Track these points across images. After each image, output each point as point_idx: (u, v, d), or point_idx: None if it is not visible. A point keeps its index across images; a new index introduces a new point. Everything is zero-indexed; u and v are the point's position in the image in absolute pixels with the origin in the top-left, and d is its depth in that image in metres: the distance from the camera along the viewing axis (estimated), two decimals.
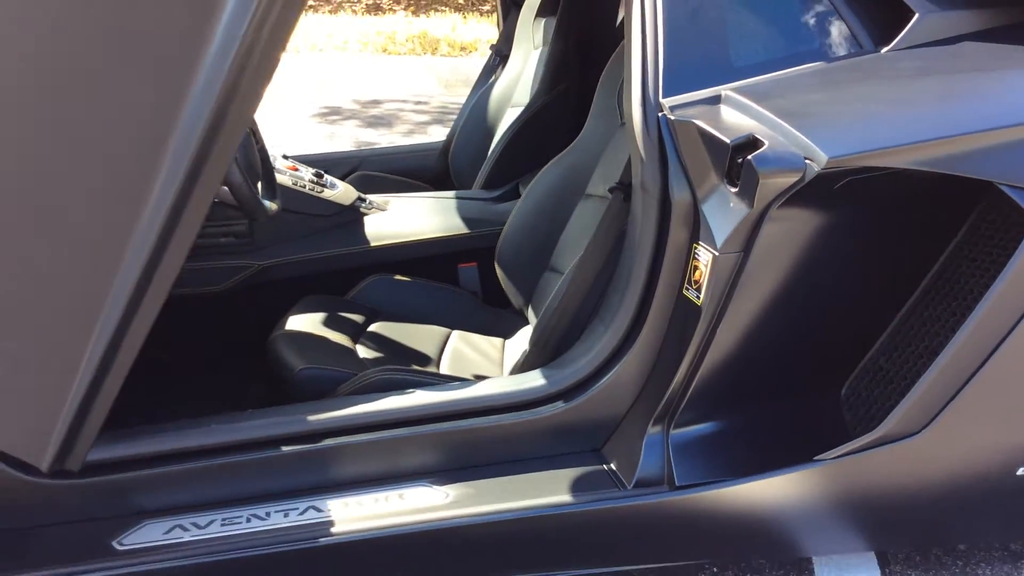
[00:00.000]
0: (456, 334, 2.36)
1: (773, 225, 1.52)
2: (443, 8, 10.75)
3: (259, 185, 2.23)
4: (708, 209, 1.59)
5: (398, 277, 2.50)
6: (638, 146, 1.66)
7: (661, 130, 1.64)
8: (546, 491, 1.73)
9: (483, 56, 7.71)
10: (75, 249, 1.20)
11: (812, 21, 1.73)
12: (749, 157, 1.45)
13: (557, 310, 1.93)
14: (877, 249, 1.65)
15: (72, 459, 1.32)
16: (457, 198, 2.83)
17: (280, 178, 2.43)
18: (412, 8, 10.87)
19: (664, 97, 1.65)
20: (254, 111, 1.25)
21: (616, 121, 2.30)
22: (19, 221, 1.19)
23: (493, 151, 2.94)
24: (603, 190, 2.19)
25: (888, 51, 1.69)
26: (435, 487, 1.75)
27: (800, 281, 1.62)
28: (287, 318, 2.24)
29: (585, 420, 1.81)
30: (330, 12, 10.80)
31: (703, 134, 1.56)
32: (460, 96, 7.17)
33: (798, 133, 1.45)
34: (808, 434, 1.76)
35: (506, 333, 2.43)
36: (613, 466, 1.79)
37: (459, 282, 2.65)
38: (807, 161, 1.43)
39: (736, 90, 1.62)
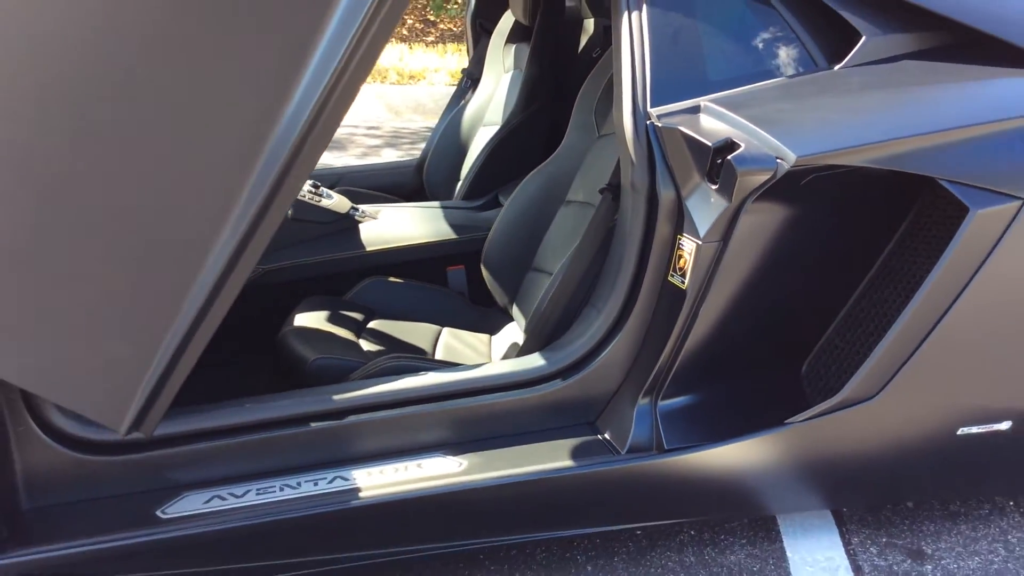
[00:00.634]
0: (446, 330, 2.55)
1: (749, 217, 1.76)
2: (390, 39, 10.96)
3: None
4: (691, 204, 1.82)
5: (392, 279, 2.68)
6: (629, 150, 1.89)
7: (649, 136, 1.88)
8: (549, 458, 1.93)
9: (431, 84, 7.96)
10: (170, 241, 1.35)
11: (776, 43, 1.99)
12: (728, 157, 1.69)
13: (551, 300, 2.14)
14: (836, 238, 1.91)
15: (146, 426, 1.45)
16: (443, 207, 3.03)
17: None
18: None
19: (651, 107, 1.89)
20: (339, 123, 1.37)
21: (593, 135, 2.54)
22: (128, 211, 1.32)
23: (473, 164, 3.15)
24: (583, 196, 2.42)
25: (840, 68, 1.97)
26: (449, 457, 1.93)
27: (771, 266, 1.86)
28: (293, 316, 2.40)
29: (581, 396, 2.02)
30: None
31: (687, 139, 1.80)
32: (409, 121, 7.39)
33: (770, 136, 1.70)
34: (777, 405, 1.99)
35: (492, 330, 2.63)
36: (607, 436, 1.99)
37: (447, 283, 2.85)
38: (778, 160, 1.67)
39: (714, 101, 1.87)
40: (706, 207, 1.79)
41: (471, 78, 3.59)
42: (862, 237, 1.92)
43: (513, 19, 3.32)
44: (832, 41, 1.98)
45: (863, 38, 1.95)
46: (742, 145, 1.70)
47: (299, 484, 1.85)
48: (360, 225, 2.80)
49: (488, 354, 2.50)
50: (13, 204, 1.26)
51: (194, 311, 1.39)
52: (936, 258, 1.79)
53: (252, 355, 2.49)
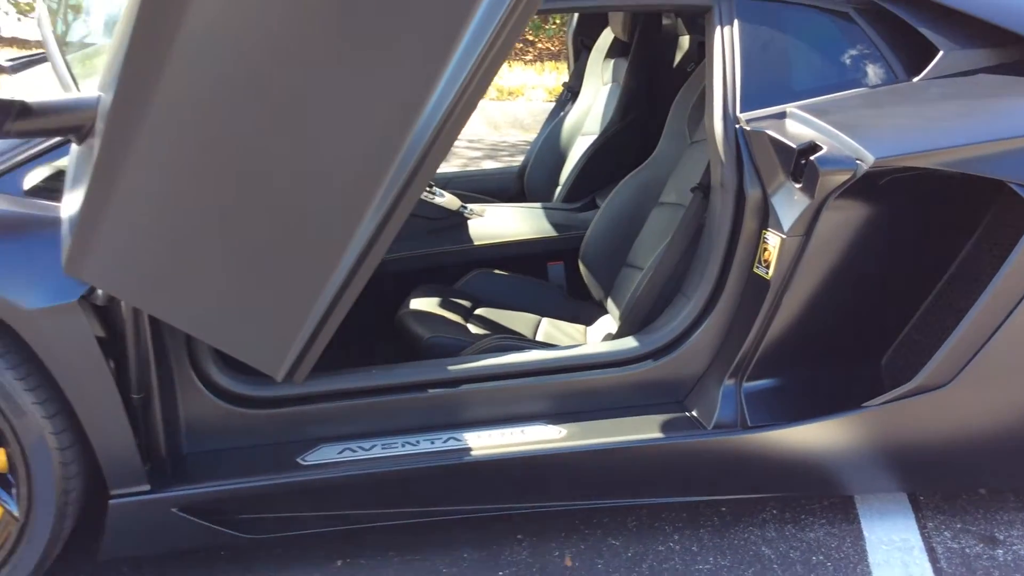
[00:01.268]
0: (546, 320, 2.77)
1: (831, 213, 1.94)
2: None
3: None
4: (777, 201, 2.01)
5: (497, 271, 2.93)
6: (719, 152, 2.09)
7: (738, 139, 2.08)
8: (641, 430, 2.13)
9: (529, 100, 8.23)
10: (325, 224, 1.60)
11: (857, 56, 2.17)
12: (812, 158, 1.88)
13: (644, 289, 2.35)
14: (914, 237, 2.06)
15: (299, 373, 1.71)
16: (544, 208, 3.28)
17: None
18: None
19: (740, 112, 2.08)
20: (458, 135, 1.54)
21: (685, 142, 2.73)
22: (299, 205, 1.58)
23: (573, 169, 3.39)
24: (675, 198, 2.62)
25: (918, 80, 2.13)
26: (550, 425, 2.15)
27: (851, 261, 2.03)
28: (409, 300, 2.67)
29: (671, 376, 2.21)
30: None
31: (773, 141, 1.99)
32: (508, 135, 7.66)
33: (850, 139, 1.87)
34: (856, 391, 2.14)
35: (587, 321, 2.84)
36: (695, 413, 2.18)
37: (548, 277, 3.10)
38: (858, 161, 1.84)
39: (799, 107, 2.06)
40: (790, 204, 1.97)
41: (571, 91, 3.83)
42: (939, 236, 2.06)
43: (612, 36, 3.55)
44: (911, 55, 2.15)
45: (940, 52, 2.11)
46: (824, 147, 1.88)
47: (418, 442, 2.09)
48: (468, 221, 3.07)
49: (584, 342, 2.72)
50: (219, 186, 1.54)
51: (338, 284, 1.65)
52: (1006, 256, 1.93)
53: (372, 334, 2.77)
